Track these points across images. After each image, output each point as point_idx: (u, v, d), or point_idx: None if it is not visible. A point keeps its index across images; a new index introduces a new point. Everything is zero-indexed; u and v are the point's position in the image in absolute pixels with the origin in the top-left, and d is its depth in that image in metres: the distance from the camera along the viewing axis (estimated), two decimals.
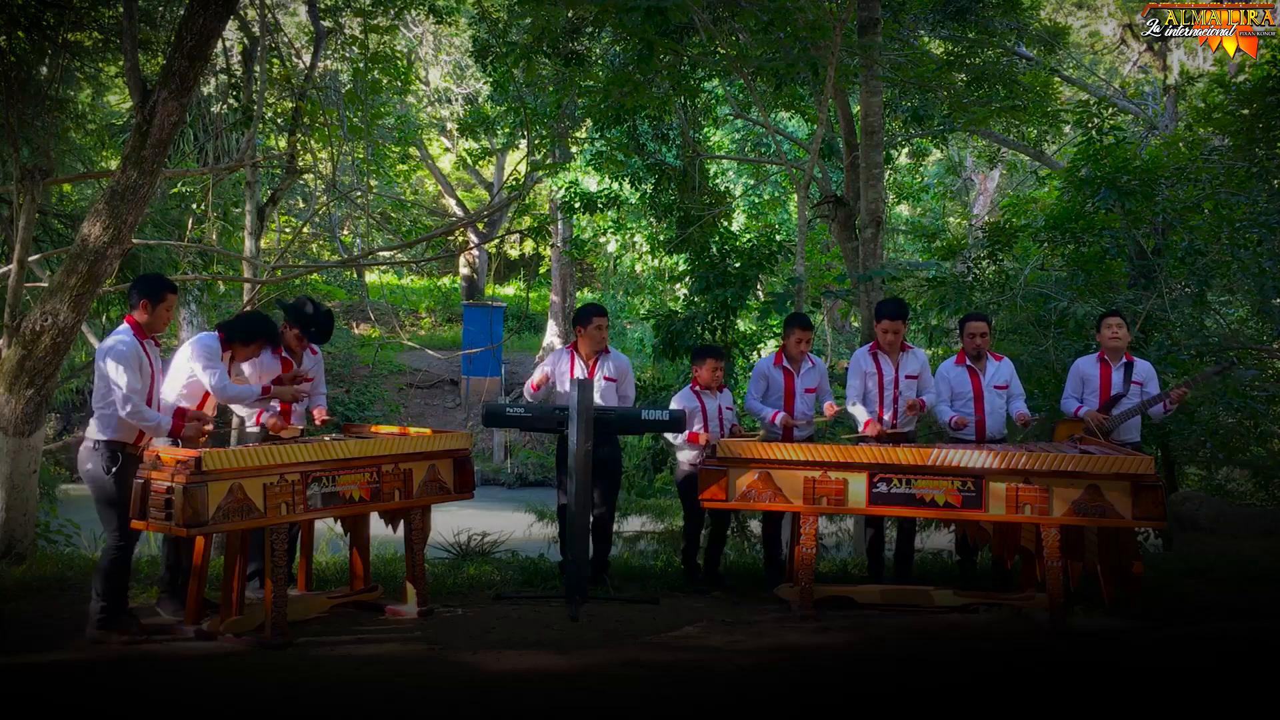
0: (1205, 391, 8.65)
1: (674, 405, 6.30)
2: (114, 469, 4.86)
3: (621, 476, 6.80)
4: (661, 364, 11.20)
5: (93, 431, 4.94)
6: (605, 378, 6.31)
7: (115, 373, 4.83)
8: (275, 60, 10.13)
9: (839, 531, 10.64)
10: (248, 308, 9.36)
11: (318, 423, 5.90)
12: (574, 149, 14.16)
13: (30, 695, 4.25)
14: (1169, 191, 9.33)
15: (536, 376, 6.45)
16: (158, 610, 5.36)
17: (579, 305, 6.77)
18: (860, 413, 6.27)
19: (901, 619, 5.55)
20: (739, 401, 7.13)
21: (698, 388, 6.35)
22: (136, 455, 4.97)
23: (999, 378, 6.36)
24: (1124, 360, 6.35)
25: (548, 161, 12.94)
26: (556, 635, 5.17)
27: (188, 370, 5.24)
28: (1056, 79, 13.93)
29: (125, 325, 5.00)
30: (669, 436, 6.26)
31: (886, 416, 6.27)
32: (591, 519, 6.06)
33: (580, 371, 6.27)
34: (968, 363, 6.36)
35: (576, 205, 12.30)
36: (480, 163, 22.82)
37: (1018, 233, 9.74)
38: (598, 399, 6.06)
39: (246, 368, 5.62)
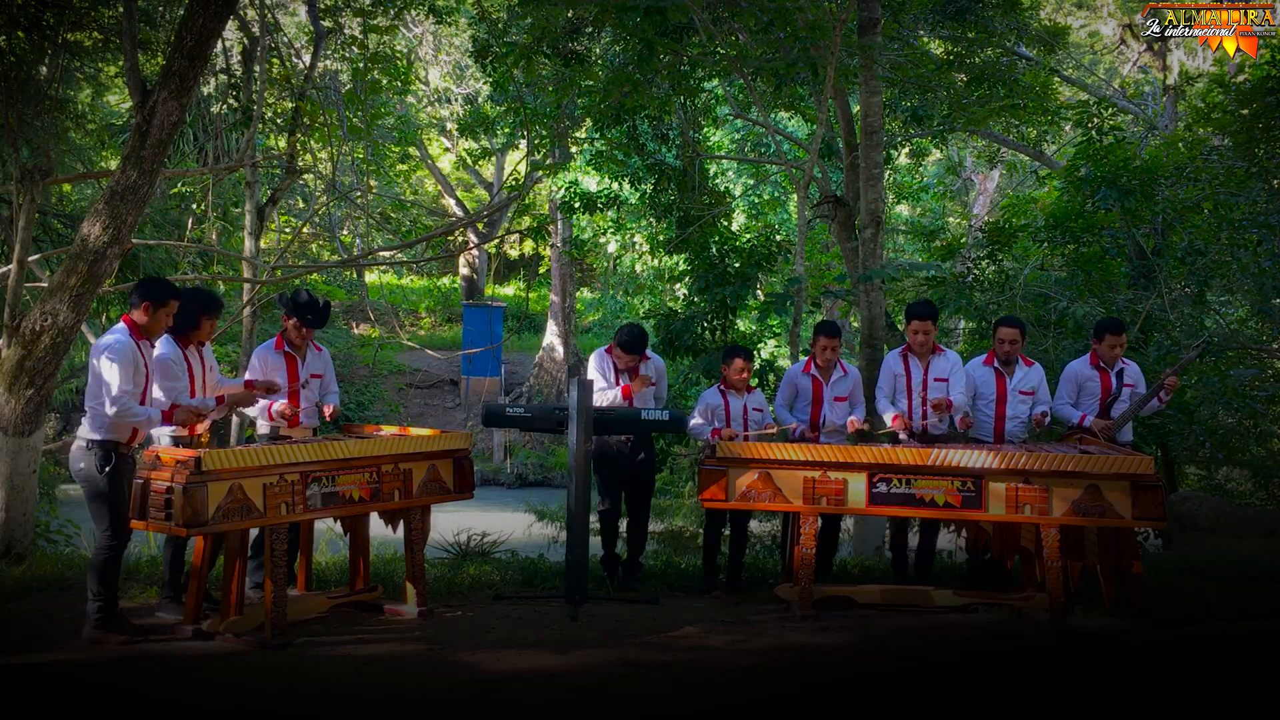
0: (1204, 390, 8.66)
1: (699, 403, 6.31)
2: (107, 468, 4.85)
3: (654, 481, 6.85)
4: None
5: (85, 431, 4.92)
6: (645, 381, 6.30)
7: (109, 371, 4.80)
8: (275, 60, 10.13)
9: (839, 531, 10.63)
10: (247, 308, 9.36)
11: (328, 418, 5.89)
12: (574, 149, 14.14)
13: (30, 695, 4.25)
14: (1169, 191, 9.33)
15: (610, 393, 6.28)
16: (158, 613, 5.36)
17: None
18: (888, 414, 6.24)
19: (901, 619, 5.55)
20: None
21: (723, 387, 6.32)
22: (129, 455, 4.97)
23: (1026, 383, 6.29)
24: (1118, 366, 6.37)
25: (548, 161, 12.93)
26: (556, 635, 5.17)
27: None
28: (1056, 79, 13.93)
29: (122, 324, 4.97)
30: (692, 433, 6.24)
31: (915, 418, 6.21)
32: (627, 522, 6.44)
33: (624, 378, 6.28)
34: (996, 364, 6.33)
35: (576, 205, 12.30)
36: (480, 163, 22.82)
37: (1017, 233, 9.74)
38: (640, 403, 6.20)
39: (255, 368, 5.61)
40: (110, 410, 4.81)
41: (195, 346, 5.34)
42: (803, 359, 6.63)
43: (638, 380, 6.24)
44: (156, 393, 5.13)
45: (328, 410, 5.87)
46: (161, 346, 5.18)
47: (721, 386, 6.31)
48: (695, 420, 6.21)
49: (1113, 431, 6.16)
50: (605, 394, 6.22)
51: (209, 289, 5.59)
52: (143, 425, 4.94)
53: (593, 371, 6.33)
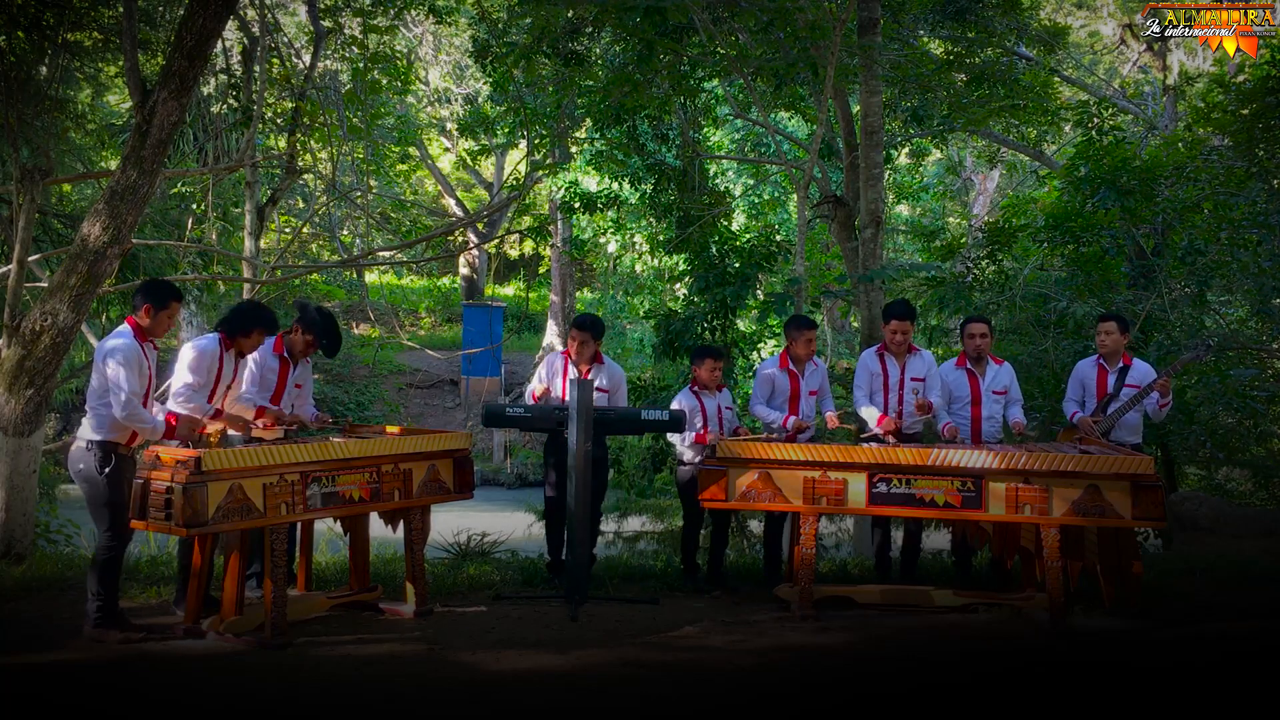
0: (1204, 390, 8.66)
1: (674, 406, 6.29)
2: (107, 469, 4.86)
3: (608, 477, 6.78)
4: (662, 364, 11.19)
5: (85, 431, 4.93)
6: (598, 388, 6.27)
7: (115, 373, 4.82)
8: (275, 60, 10.14)
9: (839, 531, 10.65)
10: None
11: (315, 427, 5.87)
12: (574, 149, 14.15)
13: (30, 695, 4.25)
14: (1169, 191, 9.33)
15: (537, 388, 6.35)
16: (175, 608, 5.37)
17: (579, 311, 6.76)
18: (871, 414, 6.25)
19: (901, 619, 5.55)
20: (740, 401, 7.12)
21: (696, 388, 6.35)
22: (129, 456, 4.97)
23: (998, 382, 6.34)
24: (1121, 364, 6.36)
25: (548, 161, 12.94)
26: (556, 635, 5.17)
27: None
28: (1056, 79, 13.92)
29: (126, 326, 4.99)
30: (673, 437, 6.24)
31: (890, 417, 6.24)
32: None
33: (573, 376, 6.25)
34: (968, 365, 6.36)
35: (576, 205, 12.30)
36: (480, 163, 22.83)
37: (1017, 233, 9.74)
38: None
39: (250, 367, 5.60)
40: (120, 414, 4.82)
41: (234, 353, 5.34)
42: (773, 356, 6.62)
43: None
44: (182, 386, 5.12)
45: (314, 422, 5.83)
46: (204, 344, 5.23)
47: (694, 388, 6.34)
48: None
49: (1098, 429, 6.14)
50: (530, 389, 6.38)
51: (268, 308, 5.58)
52: (146, 433, 4.94)
53: (542, 370, 6.42)
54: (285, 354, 5.72)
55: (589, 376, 6.24)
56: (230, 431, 5.56)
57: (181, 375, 5.20)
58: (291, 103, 10.07)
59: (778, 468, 5.53)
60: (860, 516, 8.28)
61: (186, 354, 5.22)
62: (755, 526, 10.17)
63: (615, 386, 6.40)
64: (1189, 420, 8.54)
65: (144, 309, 5.00)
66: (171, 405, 5.14)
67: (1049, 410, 8.19)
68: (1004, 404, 6.35)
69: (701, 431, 6.18)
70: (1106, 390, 6.31)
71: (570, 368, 6.32)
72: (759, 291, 10.97)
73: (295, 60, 10.39)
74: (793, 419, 6.19)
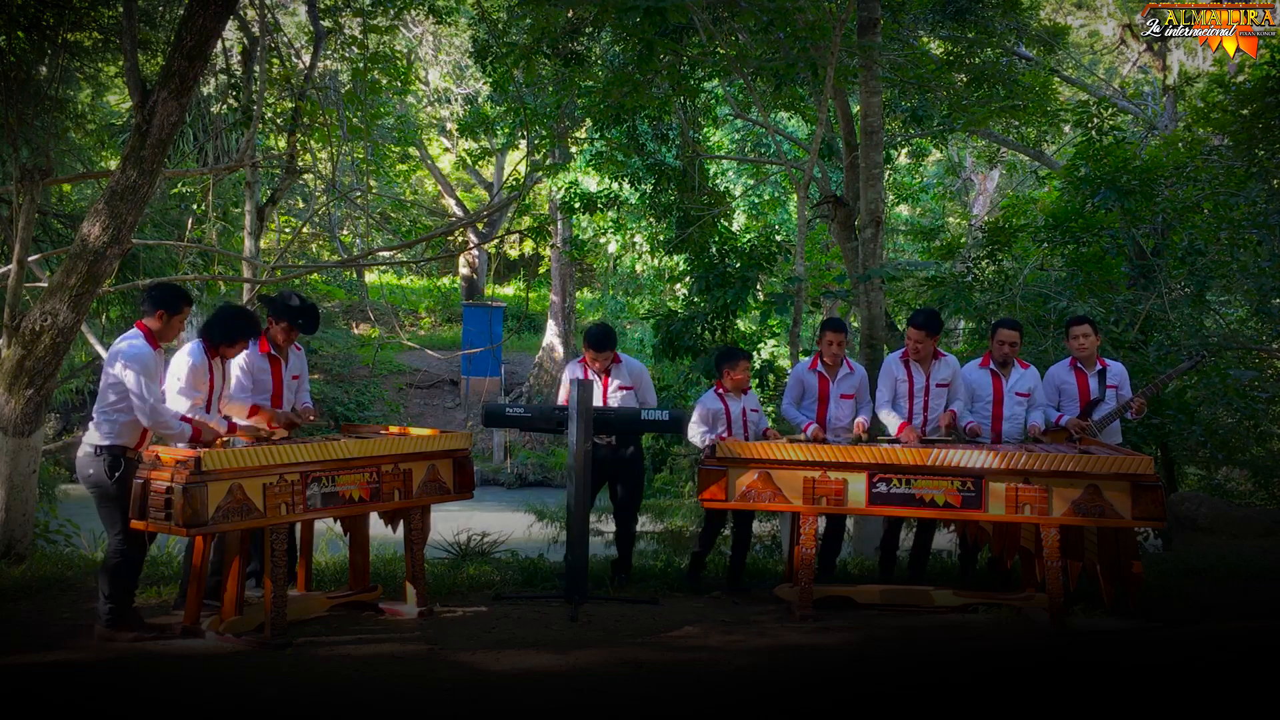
0: (1204, 390, 8.66)
1: (698, 408, 6.25)
2: (117, 474, 4.84)
3: (644, 477, 6.74)
4: (661, 364, 11.19)
5: (93, 437, 4.90)
6: (621, 386, 6.29)
7: (134, 378, 4.77)
8: (275, 60, 10.14)
9: (843, 532, 10.63)
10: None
11: (310, 420, 5.84)
12: (574, 149, 14.16)
13: (30, 695, 4.25)
14: (1169, 191, 9.33)
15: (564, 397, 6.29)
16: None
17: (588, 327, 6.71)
18: (892, 419, 6.20)
19: (901, 619, 5.55)
20: (771, 407, 7.04)
21: (721, 390, 6.29)
22: (137, 459, 4.96)
23: (1021, 385, 6.29)
24: (1098, 366, 6.36)
25: (548, 161, 12.94)
26: (556, 635, 5.17)
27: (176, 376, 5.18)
28: (1056, 79, 13.93)
29: (137, 331, 4.94)
30: (694, 439, 6.20)
31: (916, 423, 6.17)
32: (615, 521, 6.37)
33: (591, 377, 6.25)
34: (992, 366, 6.34)
35: (576, 205, 12.30)
36: (480, 163, 22.83)
37: (1017, 233, 9.74)
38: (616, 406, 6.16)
39: (237, 372, 5.53)
40: (145, 419, 4.80)
41: (220, 359, 5.29)
42: (807, 357, 6.61)
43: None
44: (180, 399, 5.09)
45: (306, 415, 5.77)
46: (192, 355, 5.15)
47: (719, 390, 6.29)
48: (699, 427, 6.15)
49: (1087, 432, 6.12)
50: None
51: (253, 313, 5.53)
52: (173, 438, 4.89)
53: (562, 384, 6.36)
54: (273, 351, 5.66)
55: (610, 380, 6.26)
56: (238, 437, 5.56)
57: (174, 386, 5.09)
58: (291, 103, 10.08)
59: (778, 468, 5.52)
60: (860, 516, 8.27)
61: (180, 365, 5.12)
62: (755, 526, 10.16)
63: (638, 380, 6.42)
64: (1189, 420, 8.54)
65: (156, 314, 4.96)
66: (188, 412, 5.09)
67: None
68: (1026, 406, 6.31)
69: (722, 434, 6.10)
70: (1089, 394, 6.29)
71: (591, 376, 6.28)
72: (759, 292, 10.98)
73: (295, 60, 10.39)
74: (813, 427, 6.13)
